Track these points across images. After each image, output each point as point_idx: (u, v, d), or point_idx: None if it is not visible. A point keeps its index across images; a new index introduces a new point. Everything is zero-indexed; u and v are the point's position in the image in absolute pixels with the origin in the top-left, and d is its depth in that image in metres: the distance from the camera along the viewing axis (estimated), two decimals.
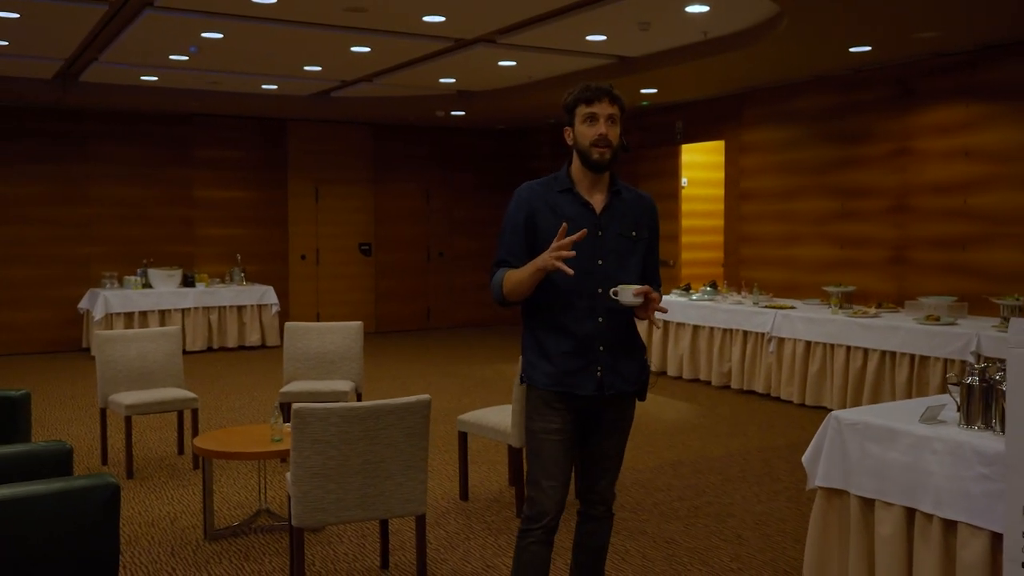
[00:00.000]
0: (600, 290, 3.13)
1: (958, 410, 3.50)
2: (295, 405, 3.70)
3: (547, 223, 3.14)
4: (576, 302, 3.13)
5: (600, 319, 3.15)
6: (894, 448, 3.56)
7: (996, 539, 3.19)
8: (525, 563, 3.18)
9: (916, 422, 3.57)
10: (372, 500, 3.80)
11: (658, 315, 3.01)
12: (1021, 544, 2.74)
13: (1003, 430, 3.31)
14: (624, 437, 3.34)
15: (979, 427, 3.43)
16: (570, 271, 2.93)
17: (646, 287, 3.05)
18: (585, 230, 2.97)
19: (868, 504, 3.66)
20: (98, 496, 2.68)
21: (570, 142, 3.21)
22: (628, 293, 3.05)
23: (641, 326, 3.09)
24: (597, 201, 3.19)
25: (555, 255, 2.93)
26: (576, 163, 3.21)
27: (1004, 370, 3.42)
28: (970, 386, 3.45)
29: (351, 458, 3.73)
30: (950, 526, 3.36)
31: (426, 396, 3.87)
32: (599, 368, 3.15)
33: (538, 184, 3.26)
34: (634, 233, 3.22)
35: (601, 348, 3.15)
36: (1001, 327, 6.62)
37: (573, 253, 2.94)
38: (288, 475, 3.98)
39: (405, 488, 3.86)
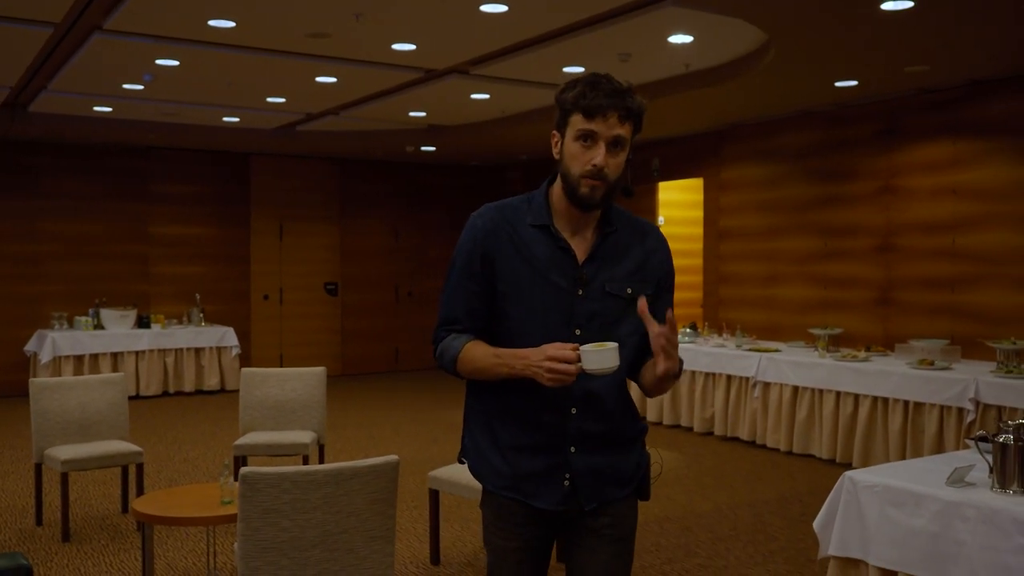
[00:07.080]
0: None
1: (990, 472, 3.13)
2: (242, 469, 3.25)
3: (511, 268, 2.29)
4: (541, 385, 2.20)
5: (573, 410, 2.28)
6: (918, 514, 3.18)
7: None
8: None
9: (942, 485, 3.20)
10: None
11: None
12: None
13: None
14: (623, 551, 2.38)
15: (1015, 491, 3.06)
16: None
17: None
18: (570, 348, 2.13)
19: None
20: None
21: (556, 155, 2.28)
22: (595, 356, 2.08)
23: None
24: (581, 244, 2.30)
25: (549, 369, 2.13)
26: (559, 187, 2.30)
27: None
28: (1004, 445, 3.08)
29: (307, 530, 3.28)
30: None
31: (393, 457, 3.44)
32: (567, 475, 2.31)
33: (501, 210, 2.35)
34: (630, 290, 2.30)
35: (572, 449, 2.30)
36: (999, 372, 6.29)
37: (571, 377, 2.13)
38: (236, 546, 3.52)
39: (369, 562, 3.41)
